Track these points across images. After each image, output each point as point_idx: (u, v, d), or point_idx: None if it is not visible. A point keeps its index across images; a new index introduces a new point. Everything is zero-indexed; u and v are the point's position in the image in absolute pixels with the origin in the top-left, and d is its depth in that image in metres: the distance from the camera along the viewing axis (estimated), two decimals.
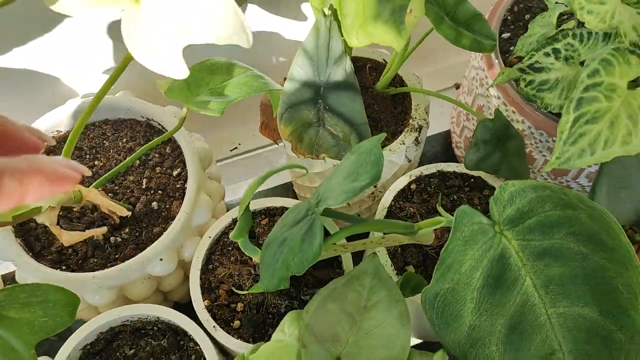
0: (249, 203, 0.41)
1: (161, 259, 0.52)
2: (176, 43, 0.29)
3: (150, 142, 0.52)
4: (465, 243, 0.34)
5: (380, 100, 0.59)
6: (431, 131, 0.83)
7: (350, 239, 0.45)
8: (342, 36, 0.43)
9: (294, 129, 0.48)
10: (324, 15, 0.41)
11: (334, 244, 0.44)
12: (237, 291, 0.48)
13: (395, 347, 0.38)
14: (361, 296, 0.41)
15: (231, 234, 0.43)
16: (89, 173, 0.29)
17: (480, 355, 0.37)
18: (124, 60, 0.47)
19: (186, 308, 0.52)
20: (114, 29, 0.63)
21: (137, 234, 0.55)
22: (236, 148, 0.80)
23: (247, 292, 0.46)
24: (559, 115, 0.43)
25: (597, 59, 0.33)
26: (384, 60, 0.61)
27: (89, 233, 0.51)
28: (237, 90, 0.51)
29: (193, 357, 0.51)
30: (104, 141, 0.60)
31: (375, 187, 0.60)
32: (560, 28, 0.39)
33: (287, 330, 0.39)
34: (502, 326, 0.36)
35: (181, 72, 0.30)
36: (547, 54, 0.40)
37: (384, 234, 0.45)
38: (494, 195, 0.36)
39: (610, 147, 0.34)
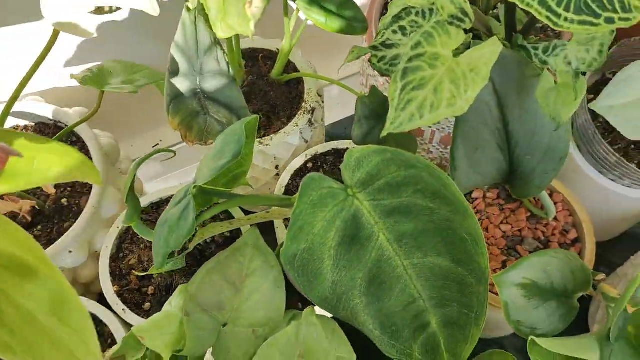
0: (132, 187, 0.44)
1: (70, 251, 0.55)
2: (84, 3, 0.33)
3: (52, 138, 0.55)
4: (313, 206, 0.38)
5: (276, 87, 0.63)
6: (345, 114, 0.88)
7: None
8: (211, 28, 0.46)
9: (182, 119, 0.51)
10: (188, 9, 0.44)
11: (229, 222, 0.47)
12: (137, 273, 0.51)
13: (272, 308, 0.42)
14: (242, 266, 0.44)
15: (122, 220, 0.46)
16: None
17: (347, 309, 0.41)
18: (33, 67, 0.50)
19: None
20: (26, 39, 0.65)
21: (48, 230, 0.58)
22: (157, 144, 0.83)
23: (145, 273, 0.49)
24: None
25: (420, 32, 0.37)
26: (277, 49, 0.65)
27: None
28: (142, 80, 0.57)
29: (109, 340, 0.54)
30: None
31: (277, 168, 0.63)
32: (404, 6, 0.43)
33: (173, 303, 0.43)
34: (362, 280, 0.40)
35: None
36: (394, 32, 0.44)
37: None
38: (344, 162, 0.40)
39: (437, 110, 0.38)
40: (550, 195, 0.58)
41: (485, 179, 0.50)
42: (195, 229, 0.49)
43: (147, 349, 0.42)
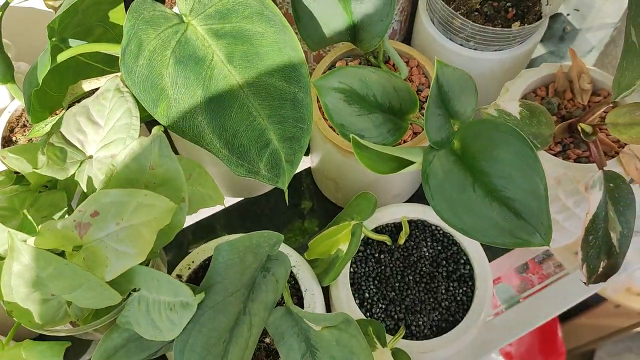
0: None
1: None
2: None
3: None
4: (146, 23, 0.43)
5: None
6: None
7: None
8: None
9: None
10: None
11: None
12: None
13: (128, 135, 0.47)
14: (105, 107, 0.49)
15: None
16: None
17: (192, 126, 0.45)
18: None
19: None
20: None
21: None
22: None
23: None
24: None
25: None
26: None
27: None
28: None
29: None
30: None
31: None
32: None
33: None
34: (201, 97, 0.45)
35: None
36: None
37: None
38: None
39: None
40: (407, 62, 0.63)
41: (332, 32, 0.55)
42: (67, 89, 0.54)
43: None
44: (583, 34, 0.88)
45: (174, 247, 0.72)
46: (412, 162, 0.47)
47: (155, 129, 0.46)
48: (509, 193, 0.44)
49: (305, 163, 0.76)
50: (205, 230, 0.73)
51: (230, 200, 0.74)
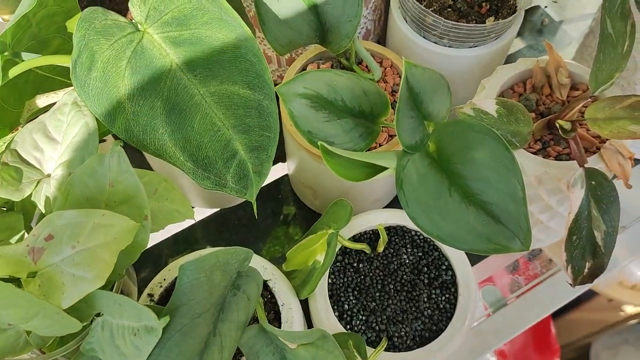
0: None
1: None
2: None
3: None
4: (97, 33, 0.41)
5: None
6: None
7: None
8: None
9: None
10: None
11: None
12: None
13: (87, 150, 0.44)
14: (62, 123, 0.46)
15: None
16: None
17: (153, 139, 0.43)
18: None
19: None
20: None
21: None
22: None
23: None
24: None
25: None
26: None
27: None
28: None
29: None
30: None
31: None
32: None
33: None
34: (161, 109, 0.43)
35: None
36: None
37: None
38: (130, 0, 0.43)
39: None
40: (381, 63, 0.62)
41: (300, 35, 0.53)
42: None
43: None
44: (562, 26, 0.86)
45: (151, 262, 0.69)
46: (386, 168, 0.45)
47: (113, 144, 0.44)
48: (485, 197, 0.42)
49: (283, 169, 0.74)
50: (184, 243, 0.71)
51: (207, 211, 0.72)
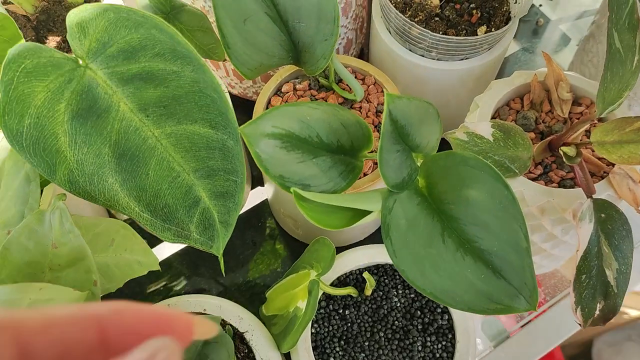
0: None
1: None
2: None
3: None
4: (28, 75, 0.35)
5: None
6: None
7: None
8: None
9: None
10: None
11: None
12: None
13: (25, 202, 0.39)
14: None
15: None
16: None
17: (102, 190, 0.38)
18: None
19: None
20: None
21: None
22: None
23: None
24: None
25: None
26: None
27: None
28: None
29: None
30: None
31: None
32: None
33: None
34: (109, 156, 0.37)
35: None
36: None
37: None
38: (67, 30, 0.37)
39: None
40: (363, 80, 0.56)
41: (271, 58, 0.48)
42: None
43: None
44: (558, 25, 0.81)
45: (134, 286, 0.64)
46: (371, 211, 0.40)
47: (55, 199, 0.38)
48: (483, 245, 0.37)
49: (263, 194, 0.69)
50: (164, 268, 0.65)
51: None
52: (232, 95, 0.71)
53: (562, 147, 0.45)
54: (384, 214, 0.39)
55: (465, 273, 0.36)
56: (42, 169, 0.37)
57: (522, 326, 0.60)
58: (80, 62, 0.37)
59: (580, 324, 0.45)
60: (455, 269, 0.37)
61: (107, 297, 0.63)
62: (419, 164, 0.42)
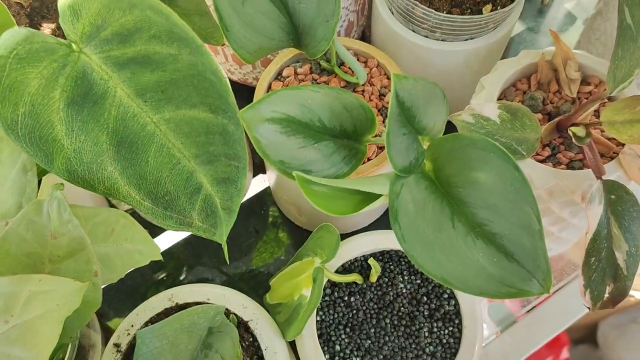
0: None
1: None
2: None
3: None
4: (20, 61, 0.34)
5: None
6: None
7: None
8: None
9: None
10: None
11: None
12: None
13: (22, 193, 0.38)
14: None
15: None
16: None
17: (102, 179, 0.37)
18: None
19: None
20: None
21: None
22: None
23: None
24: None
25: None
26: None
27: None
28: None
29: None
30: None
31: None
32: None
33: None
34: (107, 144, 0.36)
35: None
36: None
37: None
38: (59, 15, 0.35)
39: None
40: (365, 62, 0.55)
41: (271, 40, 0.46)
42: None
43: None
44: (563, 4, 0.79)
45: (137, 277, 0.63)
46: (377, 195, 0.39)
47: (52, 188, 0.37)
48: (494, 228, 0.36)
49: (265, 182, 0.68)
50: (167, 258, 0.64)
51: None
52: (231, 82, 0.70)
53: (570, 128, 0.44)
54: (391, 199, 0.38)
55: (477, 257, 0.35)
56: (39, 159, 0.36)
57: (529, 311, 0.60)
58: (74, 46, 0.36)
59: (589, 307, 0.44)
60: (466, 253, 0.36)
61: (108, 287, 0.62)
62: (425, 147, 0.41)
